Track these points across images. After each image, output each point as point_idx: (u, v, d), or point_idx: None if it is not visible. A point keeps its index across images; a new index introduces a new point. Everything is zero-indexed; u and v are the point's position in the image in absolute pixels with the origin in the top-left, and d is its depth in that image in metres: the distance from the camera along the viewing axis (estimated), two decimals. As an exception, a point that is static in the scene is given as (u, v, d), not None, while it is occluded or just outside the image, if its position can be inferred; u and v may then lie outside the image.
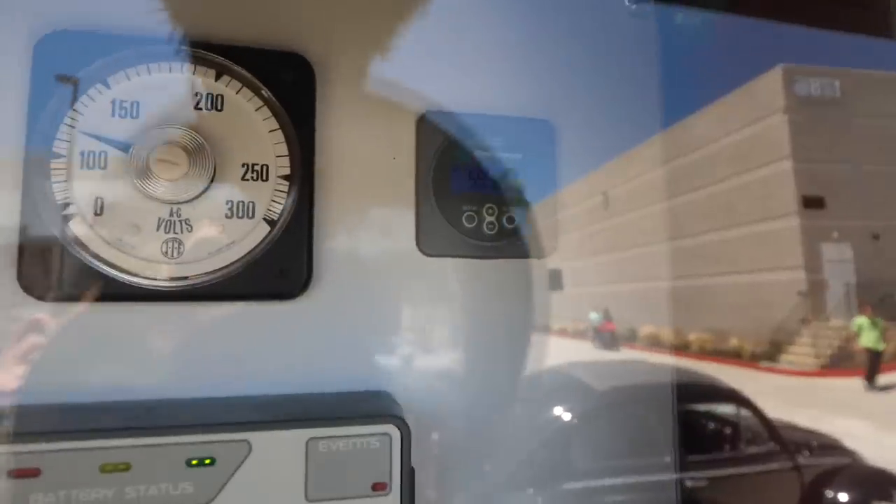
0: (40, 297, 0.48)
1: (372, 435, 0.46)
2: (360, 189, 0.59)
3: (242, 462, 0.43)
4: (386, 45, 0.61)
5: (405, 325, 0.59)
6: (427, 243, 0.59)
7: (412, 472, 0.49)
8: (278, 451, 0.44)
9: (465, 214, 0.60)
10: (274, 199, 0.54)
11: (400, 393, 0.57)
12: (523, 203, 0.62)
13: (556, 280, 0.72)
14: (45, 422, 0.43)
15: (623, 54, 0.70)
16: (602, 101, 0.70)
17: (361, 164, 0.59)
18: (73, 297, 0.49)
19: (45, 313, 0.49)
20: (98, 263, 0.49)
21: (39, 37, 0.51)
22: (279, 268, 0.54)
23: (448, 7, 0.63)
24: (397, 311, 0.59)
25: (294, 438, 0.44)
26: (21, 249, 0.48)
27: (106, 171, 0.50)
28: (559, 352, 0.68)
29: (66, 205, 0.49)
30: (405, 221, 0.59)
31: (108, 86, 0.51)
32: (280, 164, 0.55)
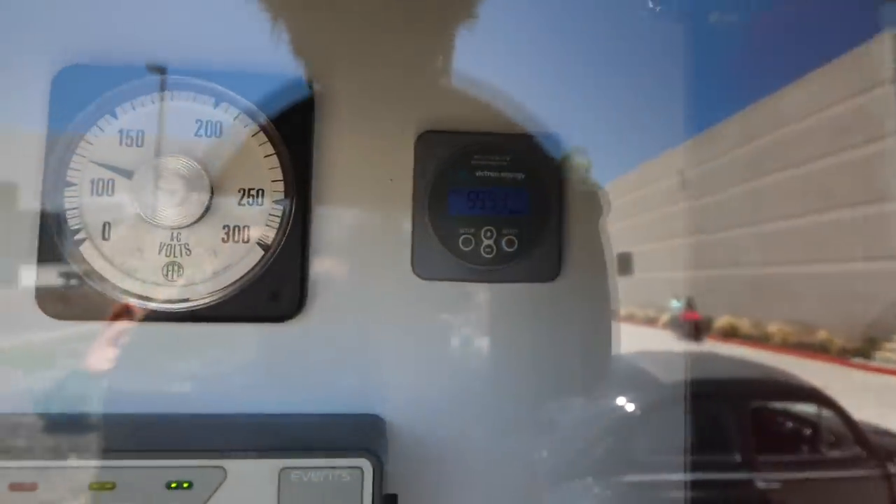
0: (55, 317, 0.53)
1: (344, 468, 0.46)
2: (357, 211, 0.59)
3: (218, 488, 0.45)
4: (386, 65, 0.60)
5: (398, 349, 0.59)
6: (422, 266, 0.59)
7: (393, 497, 0.49)
8: (252, 479, 0.45)
9: (462, 237, 0.59)
10: (268, 223, 0.55)
11: (391, 416, 0.57)
12: (525, 225, 0.59)
13: (625, 264, 0.70)
14: (45, 438, 0.47)
15: (648, 60, 0.64)
16: (625, 110, 0.65)
17: (359, 185, 0.59)
18: (81, 317, 0.53)
19: (60, 331, 0.53)
20: (105, 285, 0.53)
21: (56, 71, 0.54)
22: (272, 291, 0.55)
23: (446, 24, 0.60)
24: (391, 334, 0.59)
25: (268, 468, 0.45)
26: (38, 275, 0.52)
27: (114, 199, 0.54)
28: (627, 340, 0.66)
29: (78, 230, 0.53)
30: (401, 244, 0.59)
31: (115, 116, 0.54)
32: (275, 188, 0.56)
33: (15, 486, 0.43)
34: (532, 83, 0.62)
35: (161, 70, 0.55)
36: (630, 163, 0.66)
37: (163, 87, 0.55)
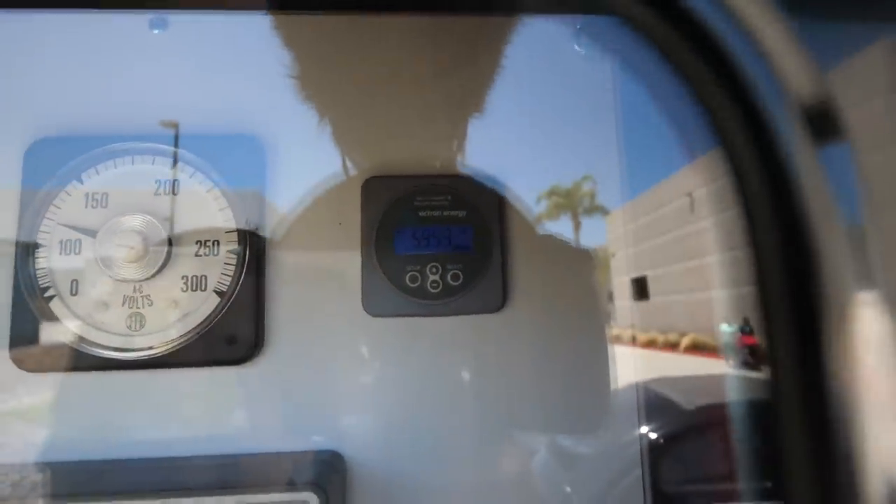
0: (28, 370, 0.56)
1: (293, 502, 0.49)
2: (309, 255, 0.62)
3: (173, 526, 0.47)
4: (331, 118, 0.64)
5: (353, 385, 0.62)
6: (372, 304, 0.62)
7: None
8: (204, 516, 0.48)
9: (409, 274, 0.62)
10: (224, 272, 0.59)
11: (350, 451, 0.60)
12: (469, 259, 0.63)
13: (640, 289, 0.72)
14: (10, 487, 0.50)
15: (580, 98, 0.68)
16: (560, 147, 0.69)
17: (309, 231, 0.63)
18: (53, 369, 0.57)
19: (30, 383, 0.57)
20: (73, 339, 0.57)
21: (28, 144, 0.59)
22: (229, 335, 0.59)
23: (389, 72, 0.65)
24: (346, 371, 0.62)
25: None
26: (12, 328, 0.56)
27: (79, 257, 0.58)
28: (632, 368, 0.68)
29: (47, 287, 0.57)
30: (352, 284, 0.62)
31: (81, 181, 0.59)
32: (229, 238, 0.60)
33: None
34: (471, 127, 0.66)
35: (122, 138, 0.60)
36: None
37: (124, 153, 0.60)
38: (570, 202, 0.69)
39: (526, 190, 0.65)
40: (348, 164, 0.64)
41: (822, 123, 0.19)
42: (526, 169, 0.66)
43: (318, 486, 0.49)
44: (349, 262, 0.62)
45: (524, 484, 0.63)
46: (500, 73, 0.66)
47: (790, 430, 0.19)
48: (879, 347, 0.17)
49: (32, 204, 0.58)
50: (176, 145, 0.61)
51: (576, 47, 0.67)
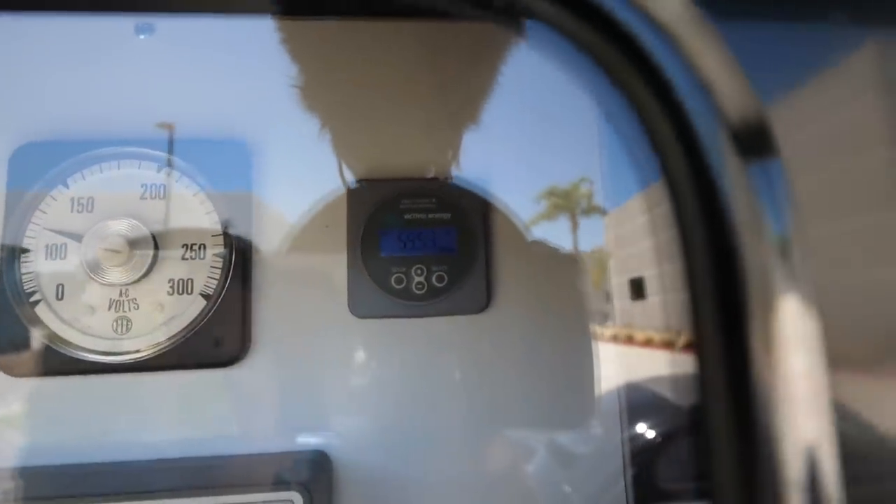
0: (12, 374, 0.57)
1: (276, 501, 0.49)
2: (295, 257, 0.63)
3: (159, 527, 0.48)
4: (318, 121, 0.65)
5: (340, 386, 0.62)
6: (358, 306, 0.63)
7: None
8: (190, 517, 0.48)
9: (394, 276, 0.63)
10: (210, 275, 0.60)
11: (336, 451, 0.60)
12: (453, 261, 0.64)
13: (638, 289, 0.72)
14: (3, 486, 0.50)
15: (563, 104, 0.69)
16: (543, 153, 0.70)
17: (297, 234, 0.63)
18: (40, 373, 0.57)
19: (17, 388, 0.57)
20: (59, 343, 0.57)
21: (14, 148, 0.59)
22: (215, 338, 0.59)
23: (373, 78, 0.66)
24: (332, 372, 0.62)
25: (204, 505, 0.49)
26: (-3, 333, 0.57)
27: (65, 261, 0.58)
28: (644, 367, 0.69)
29: (32, 292, 0.57)
30: (338, 286, 0.63)
31: (67, 186, 0.59)
32: (215, 241, 0.60)
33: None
34: (455, 132, 0.67)
35: (108, 142, 0.60)
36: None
37: (110, 157, 0.60)
38: (569, 203, 0.70)
39: (510, 192, 0.66)
40: (334, 167, 0.64)
41: (754, 140, 0.20)
42: (510, 172, 0.67)
43: (302, 486, 0.50)
44: (335, 265, 0.63)
45: (510, 482, 0.64)
46: (483, 78, 0.67)
47: (716, 425, 0.20)
48: (800, 346, 0.18)
49: (18, 208, 0.58)
50: (170, 148, 0.61)
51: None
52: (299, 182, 0.65)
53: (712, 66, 0.21)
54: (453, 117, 0.67)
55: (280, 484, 0.50)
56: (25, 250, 0.58)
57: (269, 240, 0.62)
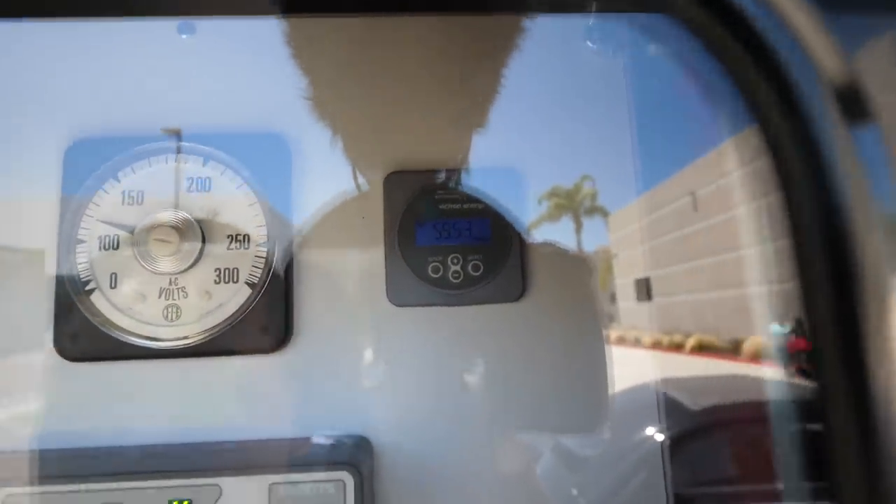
0: (69, 359, 0.59)
1: (327, 481, 0.51)
2: (334, 248, 0.65)
3: (215, 503, 0.50)
4: (353, 116, 0.67)
5: (378, 372, 0.64)
6: (396, 295, 0.64)
7: None
8: (244, 494, 0.50)
9: (431, 265, 0.64)
10: (254, 264, 0.62)
11: (376, 436, 0.62)
12: (488, 250, 0.65)
13: (642, 290, 0.72)
14: (61, 466, 0.53)
15: (593, 94, 0.71)
16: (574, 143, 0.71)
17: (334, 224, 0.65)
18: (95, 358, 0.60)
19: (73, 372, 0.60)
20: (113, 329, 0.59)
21: (68, 144, 0.62)
22: (261, 325, 0.61)
23: (407, 72, 0.68)
24: (371, 359, 0.64)
25: (258, 483, 0.51)
26: (55, 321, 0.59)
27: (118, 251, 0.61)
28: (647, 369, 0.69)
29: (88, 281, 0.60)
30: (376, 275, 0.65)
31: (118, 180, 0.62)
32: (259, 232, 0.62)
33: (37, 511, 0.48)
34: (488, 123, 0.69)
35: (157, 138, 0.63)
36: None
37: (159, 152, 0.62)
38: (572, 203, 0.71)
39: (542, 181, 0.67)
40: (370, 160, 0.66)
41: (852, 105, 0.21)
42: (542, 161, 0.68)
43: (353, 467, 0.51)
44: (373, 255, 0.65)
45: (542, 469, 0.65)
46: (515, 69, 0.69)
47: (837, 430, 0.21)
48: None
49: (72, 202, 0.61)
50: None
51: (588, 44, 0.69)
52: (336, 175, 0.66)
53: (810, 34, 0.22)
54: (484, 109, 0.69)
55: (331, 464, 0.52)
56: (81, 241, 0.60)
57: (308, 231, 0.64)
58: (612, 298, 0.72)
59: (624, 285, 0.75)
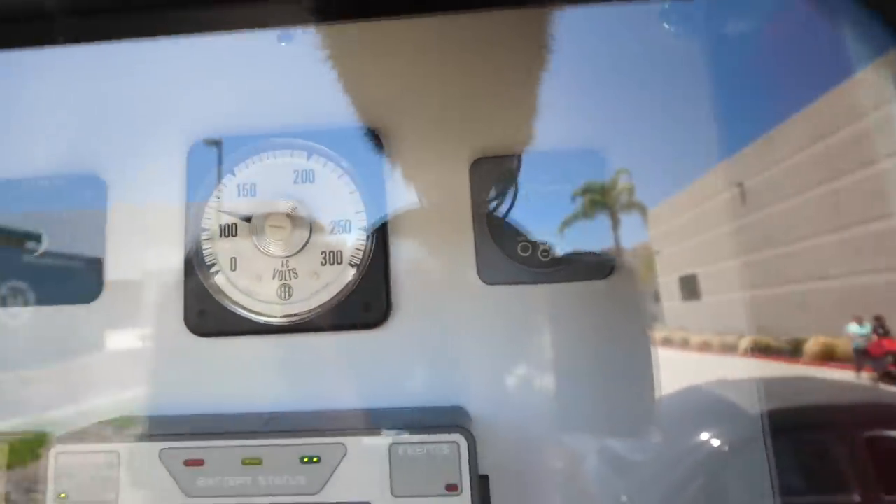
0: (198, 334, 0.66)
1: (442, 442, 0.55)
2: (427, 230, 0.69)
3: (341, 461, 0.55)
4: (439, 106, 0.71)
5: (472, 347, 0.67)
6: (486, 273, 0.68)
7: (485, 477, 0.57)
8: (367, 453, 0.55)
9: (520, 244, 0.68)
10: (356, 247, 0.67)
11: (471, 407, 0.65)
12: (575, 230, 0.68)
13: (690, 288, 0.72)
14: (203, 426, 0.59)
15: (672, 76, 0.72)
16: (656, 124, 0.72)
17: (426, 208, 0.70)
18: (219, 333, 0.66)
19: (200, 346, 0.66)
20: (234, 307, 0.66)
21: (190, 145, 0.69)
22: (364, 302, 0.66)
23: (490, 63, 0.72)
24: (465, 334, 0.68)
25: (379, 443, 0.55)
26: (185, 300, 0.66)
27: (237, 238, 0.67)
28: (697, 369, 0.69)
29: (212, 264, 0.67)
30: (467, 255, 0.68)
31: (234, 174, 0.68)
32: (359, 218, 0.67)
33: (189, 462, 0.54)
34: (569, 107, 0.72)
35: (266, 135, 0.69)
36: (671, 182, 0.72)
37: (268, 148, 0.69)
38: (607, 198, 0.70)
39: (624, 163, 0.70)
40: (457, 147, 0.70)
41: None
42: (623, 143, 0.70)
43: (465, 430, 0.55)
44: (464, 236, 0.69)
45: (630, 439, 0.67)
46: (594, 56, 0.72)
47: None
48: None
49: (197, 195, 0.68)
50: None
51: (665, 26, 0.71)
52: (425, 163, 0.71)
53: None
54: (564, 95, 0.72)
55: (446, 428, 0.55)
56: (204, 230, 0.67)
57: (404, 215, 0.69)
58: (656, 297, 0.71)
59: (668, 283, 0.73)
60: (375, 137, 0.70)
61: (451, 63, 0.73)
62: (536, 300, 0.68)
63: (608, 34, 0.72)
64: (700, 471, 0.73)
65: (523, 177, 0.69)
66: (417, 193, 0.70)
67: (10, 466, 0.63)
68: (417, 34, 0.74)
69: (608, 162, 0.69)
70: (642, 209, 0.70)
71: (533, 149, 0.70)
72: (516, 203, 0.69)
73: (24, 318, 0.71)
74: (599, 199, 0.70)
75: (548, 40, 0.72)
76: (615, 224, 0.70)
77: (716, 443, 0.75)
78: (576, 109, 0.72)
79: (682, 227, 0.72)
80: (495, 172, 0.70)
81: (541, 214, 0.68)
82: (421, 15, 0.73)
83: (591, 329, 0.68)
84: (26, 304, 0.71)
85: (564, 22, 0.72)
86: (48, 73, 0.75)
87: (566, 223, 0.69)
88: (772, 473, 0.65)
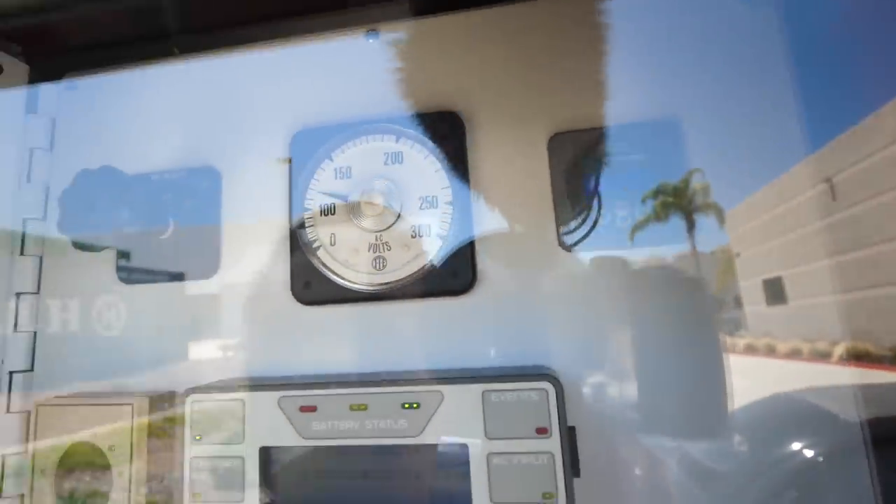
0: (304, 303, 0.73)
1: (532, 389, 0.58)
2: (508, 202, 0.74)
3: (438, 406, 0.59)
4: (516, 86, 0.76)
5: (554, 312, 0.70)
6: (567, 242, 0.71)
7: (572, 428, 0.60)
8: (462, 399, 0.59)
9: (601, 213, 0.70)
10: (442, 220, 0.72)
11: (556, 370, 0.68)
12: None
13: (775, 292, 0.70)
14: (314, 378, 0.65)
15: (747, 45, 0.73)
16: (731, 93, 0.73)
17: (506, 182, 0.74)
18: (322, 302, 0.73)
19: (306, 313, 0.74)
20: (335, 277, 0.73)
21: (292, 134, 0.78)
22: (451, 271, 0.71)
23: (565, 42, 0.75)
24: (547, 300, 0.71)
25: (473, 390, 0.59)
26: (291, 272, 0.74)
27: (335, 216, 0.74)
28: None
29: (314, 240, 0.74)
30: (547, 225, 0.72)
31: (331, 159, 0.76)
32: (444, 194, 0.73)
33: (303, 409, 0.61)
34: (644, 81, 0.74)
35: (358, 122, 0.76)
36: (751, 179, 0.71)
37: (360, 133, 0.76)
38: (681, 200, 0.70)
39: (701, 135, 0.71)
40: (534, 124, 0.74)
41: None
42: (699, 116, 0.72)
43: (554, 378, 0.58)
44: (543, 207, 0.72)
45: (711, 442, 0.67)
46: (667, 32, 0.74)
47: None
48: None
49: (300, 179, 0.76)
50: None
51: (736, -2, 0.73)
52: (505, 138, 0.75)
53: None
54: (639, 70, 0.74)
55: (535, 376, 0.59)
56: (307, 209, 0.75)
57: (485, 189, 0.74)
58: (737, 302, 0.69)
59: (750, 287, 0.70)
60: (457, 119, 0.75)
61: (527, 45, 0.77)
62: (616, 270, 0.70)
63: (682, 11, 0.74)
64: (792, 481, 0.70)
65: (601, 149, 0.72)
66: (498, 168, 0.75)
67: (151, 418, 0.72)
68: (492, 21, 0.79)
69: (684, 134, 0.71)
70: (718, 210, 0.70)
71: (610, 122, 0.73)
72: (594, 174, 0.72)
73: (156, 293, 0.81)
74: (672, 202, 0.70)
75: (622, 18, 0.75)
76: (690, 226, 0.70)
77: (809, 452, 0.72)
78: (649, 82, 0.74)
79: (763, 227, 0.71)
80: (573, 146, 0.73)
81: (619, 184, 0.71)
82: (497, 4, 0.79)
83: (674, 311, 0.68)
84: (157, 280, 0.81)
85: (637, 2, 0.75)
86: (170, 82, 0.87)
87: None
88: (874, 485, 0.63)
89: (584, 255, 0.71)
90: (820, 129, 0.69)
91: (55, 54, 0.93)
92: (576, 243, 0.71)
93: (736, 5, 0.74)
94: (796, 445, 0.70)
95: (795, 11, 0.72)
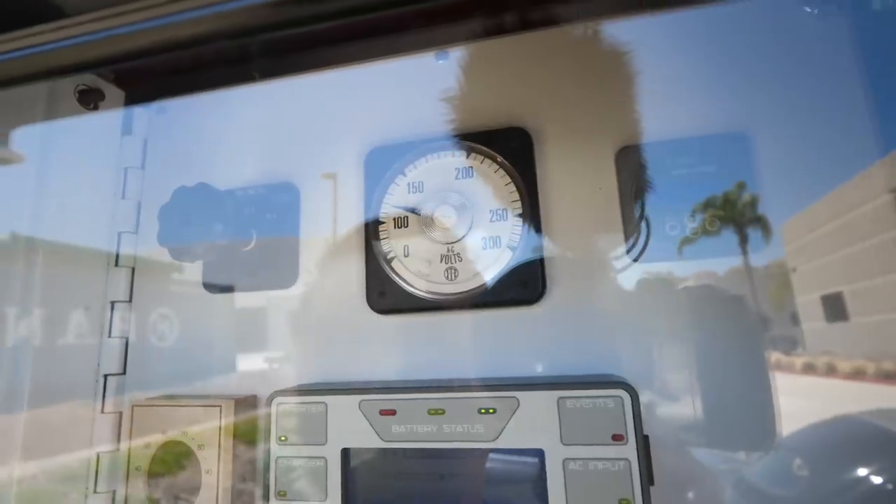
0: (378, 311, 0.77)
1: (607, 397, 0.59)
2: (576, 215, 0.75)
3: (514, 412, 0.61)
4: (583, 102, 0.78)
5: (623, 321, 0.71)
6: (635, 253, 0.72)
7: (646, 437, 0.60)
8: (538, 405, 0.60)
9: (668, 225, 0.71)
10: (513, 232, 0.74)
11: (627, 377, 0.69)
12: (721, 211, 0.70)
13: (835, 308, 0.68)
14: (394, 384, 0.68)
15: (817, 57, 0.73)
16: (804, 108, 0.72)
17: (574, 196, 0.76)
18: (396, 311, 0.76)
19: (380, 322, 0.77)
20: (409, 287, 0.76)
21: (366, 153, 0.82)
22: (522, 281, 0.73)
23: (631, 57, 0.77)
24: (616, 309, 0.71)
25: (548, 396, 0.60)
26: (366, 282, 0.78)
27: (408, 229, 0.78)
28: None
29: (389, 252, 0.78)
30: (615, 236, 0.73)
31: (404, 175, 0.80)
32: (514, 207, 0.75)
33: (383, 412, 0.64)
34: (711, 93, 0.75)
35: (429, 140, 0.80)
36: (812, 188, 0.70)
37: (432, 150, 0.79)
38: (732, 213, 0.69)
39: (774, 145, 0.71)
40: (601, 138, 0.76)
41: None
42: (770, 128, 0.72)
43: (629, 385, 0.59)
44: (611, 218, 0.73)
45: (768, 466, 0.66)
46: (737, 46, 0.74)
47: None
48: None
49: (374, 194, 0.80)
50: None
51: (805, 9, 0.73)
52: (573, 153, 0.77)
53: None
54: (707, 84, 0.75)
55: (610, 384, 0.60)
56: (381, 222, 0.79)
57: (554, 202, 0.76)
58: (794, 319, 0.67)
59: (808, 303, 0.68)
60: (525, 134, 0.78)
61: (592, 60, 0.79)
62: (681, 283, 0.71)
63: (749, 22, 0.75)
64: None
65: (668, 162, 0.73)
66: (566, 181, 0.76)
67: (237, 419, 0.77)
68: (557, 39, 0.82)
69: (755, 147, 0.71)
70: (769, 223, 0.69)
71: (677, 135, 0.74)
72: (663, 186, 0.72)
73: (238, 302, 0.87)
74: (722, 215, 0.70)
75: (691, 32, 0.77)
76: (742, 240, 0.69)
77: (878, 479, 0.70)
78: (716, 95, 0.74)
79: (821, 240, 0.69)
80: (639, 159, 0.74)
81: (686, 196, 0.71)
82: (563, 25, 0.82)
83: (740, 327, 0.68)
84: (240, 290, 0.87)
85: (700, 14, 0.76)
86: (251, 103, 0.94)
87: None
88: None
89: (652, 266, 0.71)
90: (889, 136, 0.68)
91: (147, 80, 1.02)
92: (642, 254, 0.72)
93: (805, 15, 0.73)
94: (862, 471, 0.68)
95: (866, 18, 0.72)
